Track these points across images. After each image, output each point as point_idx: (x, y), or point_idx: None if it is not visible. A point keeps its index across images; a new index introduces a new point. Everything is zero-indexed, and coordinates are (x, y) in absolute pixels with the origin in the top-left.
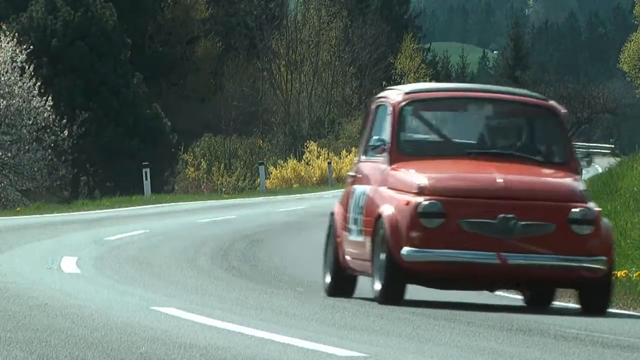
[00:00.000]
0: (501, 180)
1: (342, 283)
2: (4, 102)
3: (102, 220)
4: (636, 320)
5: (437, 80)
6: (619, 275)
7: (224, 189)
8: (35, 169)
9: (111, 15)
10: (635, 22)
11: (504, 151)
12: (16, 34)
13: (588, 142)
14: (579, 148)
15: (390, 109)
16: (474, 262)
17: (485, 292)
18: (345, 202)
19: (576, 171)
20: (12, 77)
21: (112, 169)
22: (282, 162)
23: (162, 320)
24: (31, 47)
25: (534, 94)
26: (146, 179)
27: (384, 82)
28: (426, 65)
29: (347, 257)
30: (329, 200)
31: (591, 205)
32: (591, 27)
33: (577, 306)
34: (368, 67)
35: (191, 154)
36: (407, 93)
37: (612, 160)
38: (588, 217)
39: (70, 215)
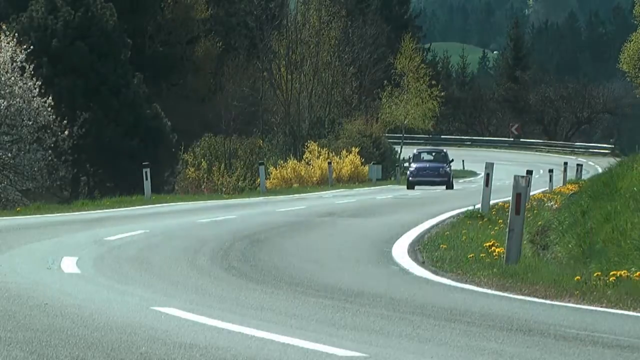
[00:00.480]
0: None
1: None
2: (4, 102)
3: (102, 220)
4: (636, 320)
5: (437, 80)
6: (619, 275)
7: (224, 189)
8: (36, 169)
9: (111, 15)
10: (635, 22)
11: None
12: (16, 34)
13: (588, 142)
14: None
15: None
16: None
17: (486, 293)
18: None
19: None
20: (13, 78)
21: (112, 169)
22: (282, 162)
23: (162, 320)
24: (31, 47)
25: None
26: (146, 179)
27: (384, 82)
28: (426, 65)
29: None
30: (329, 200)
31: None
32: (591, 27)
33: (577, 306)
34: (368, 67)
35: (191, 154)
36: None
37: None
38: None
39: (70, 215)
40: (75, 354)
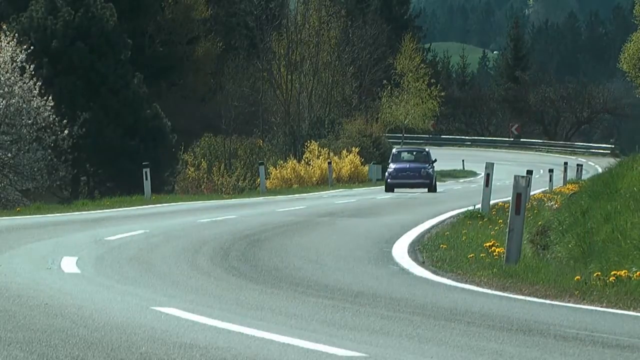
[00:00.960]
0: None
1: None
2: (4, 101)
3: (102, 220)
4: (636, 320)
5: (437, 80)
6: (619, 275)
7: (224, 189)
8: (35, 169)
9: (111, 15)
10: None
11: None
12: (16, 34)
13: (588, 142)
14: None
15: None
16: None
17: (486, 293)
18: None
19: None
20: (12, 77)
21: (112, 169)
22: (282, 162)
23: (162, 320)
24: (31, 47)
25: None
26: (146, 179)
27: (384, 81)
28: (426, 65)
29: None
30: (329, 200)
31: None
32: (591, 27)
33: (577, 306)
34: (368, 67)
35: (191, 154)
36: None
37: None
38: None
39: (70, 215)
40: (75, 354)
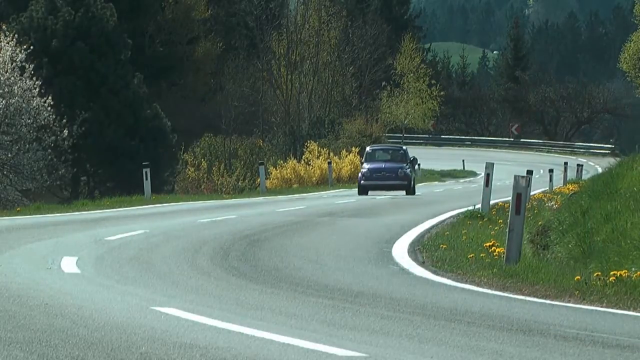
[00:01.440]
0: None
1: None
2: (4, 101)
3: (102, 220)
4: (636, 320)
5: (437, 80)
6: (619, 275)
7: (224, 189)
8: (35, 168)
9: (111, 15)
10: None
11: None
12: (16, 35)
13: (588, 142)
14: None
15: None
16: None
17: (486, 293)
18: None
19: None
20: (12, 77)
21: (112, 169)
22: (282, 162)
23: (162, 320)
24: (31, 47)
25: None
26: (146, 179)
27: (383, 83)
28: (426, 65)
29: None
30: (329, 200)
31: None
32: (591, 27)
33: (577, 306)
34: (368, 67)
35: (191, 154)
36: None
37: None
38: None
39: (70, 215)
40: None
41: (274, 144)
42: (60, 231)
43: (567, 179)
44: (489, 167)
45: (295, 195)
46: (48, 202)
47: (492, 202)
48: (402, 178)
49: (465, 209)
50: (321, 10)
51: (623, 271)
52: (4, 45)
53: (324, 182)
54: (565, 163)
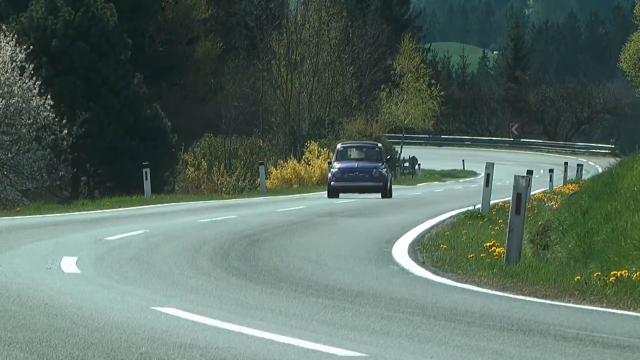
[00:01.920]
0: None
1: None
2: (4, 101)
3: (102, 220)
4: (636, 320)
5: (437, 80)
6: (619, 275)
7: (224, 189)
8: (35, 168)
9: (112, 15)
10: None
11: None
12: (16, 34)
13: (588, 142)
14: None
15: None
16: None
17: (486, 293)
18: None
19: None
20: (12, 77)
21: (112, 169)
22: (282, 162)
23: (162, 320)
24: (31, 47)
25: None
26: (146, 179)
27: (382, 85)
28: (425, 65)
29: None
30: (329, 200)
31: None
32: (591, 27)
33: (577, 306)
34: (368, 67)
35: (191, 154)
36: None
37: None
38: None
39: (70, 215)
40: (75, 354)
41: (274, 144)
42: (60, 231)
43: (567, 179)
44: (489, 167)
45: (295, 195)
46: (48, 202)
47: (492, 202)
48: (376, 179)
49: (465, 209)
50: (321, 10)
51: (623, 271)
52: (4, 45)
53: (324, 182)
54: (566, 163)
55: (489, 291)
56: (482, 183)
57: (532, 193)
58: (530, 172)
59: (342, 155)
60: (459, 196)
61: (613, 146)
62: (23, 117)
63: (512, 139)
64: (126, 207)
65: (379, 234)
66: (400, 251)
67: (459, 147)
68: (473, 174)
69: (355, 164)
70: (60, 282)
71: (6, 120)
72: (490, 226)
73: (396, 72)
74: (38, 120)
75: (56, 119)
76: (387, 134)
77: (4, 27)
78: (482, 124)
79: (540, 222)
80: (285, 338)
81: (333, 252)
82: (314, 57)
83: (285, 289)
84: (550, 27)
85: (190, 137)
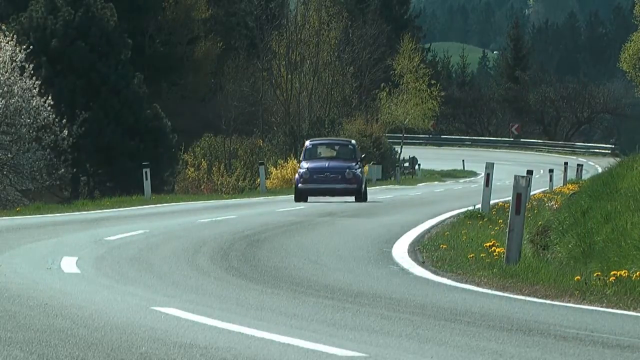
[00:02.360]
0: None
1: None
2: (3, 101)
3: (102, 220)
4: (636, 320)
5: (437, 80)
6: (619, 275)
7: (224, 189)
8: (35, 168)
9: (112, 15)
10: (635, 22)
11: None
12: (16, 34)
13: (588, 142)
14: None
15: None
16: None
17: (486, 293)
18: None
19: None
20: (12, 77)
21: (112, 169)
22: (282, 162)
23: (162, 320)
24: (31, 47)
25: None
26: (146, 179)
27: (382, 84)
28: (425, 66)
29: None
30: (328, 200)
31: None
32: (591, 27)
33: (577, 306)
34: (368, 67)
35: (191, 154)
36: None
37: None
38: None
39: (70, 215)
40: (75, 354)
41: (274, 144)
42: (60, 231)
43: (567, 179)
44: (489, 167)
45: None
46: (48, 202)
47: (492, 202)
48: (350, 181)
49: (465, 209)
50: (321, 10)
51: (623, 271)
52: (4, 45)
53: None
54: (565, 163)
55: (489, 291)
56: (482, 183)
57: (532, 193)
58: (530, 172)
59: (310, 154)
60: (459, 196)
61: (613, 146)
62: (23, 117)
63: (512, 139)
64: (126, 207)
65: (379, 234)
66: (400, 251)
67: (459, 147)
68: (473, 174)
69: (326, 164)
70: (60, 282)
71: (6, 120)
72: (490, 226)
73: (396, 72)
74: (38, 120)
75: (56, 119)
76: (387, 134)
77: (3, 27)
78: (482, 124)
79: (540, 222)
80: (285, 338)
81: (333, 252)
82: (314, 57)
83: (285, 289)
84: (550, 27)
85: (190, 137)
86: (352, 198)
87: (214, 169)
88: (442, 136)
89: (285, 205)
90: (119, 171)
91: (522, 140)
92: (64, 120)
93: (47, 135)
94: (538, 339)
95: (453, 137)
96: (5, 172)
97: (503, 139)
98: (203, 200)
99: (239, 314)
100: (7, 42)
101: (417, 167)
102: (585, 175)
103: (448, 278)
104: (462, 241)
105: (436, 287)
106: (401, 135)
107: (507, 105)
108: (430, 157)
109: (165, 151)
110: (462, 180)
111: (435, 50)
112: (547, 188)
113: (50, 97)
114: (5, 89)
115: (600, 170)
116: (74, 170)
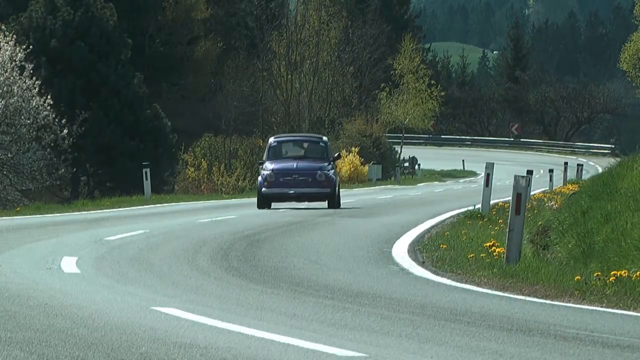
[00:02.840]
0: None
1: None
2: (3, 101)
3: (102, 220)
4: (636, 320)
5: (437, 81)
6: (619, 275)
7: (224, 189)
8: (35, 168)
9: (111, 15)
10: (635, 22)
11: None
12: (15, 34)
13: (588, 142)
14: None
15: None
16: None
17: (486, 293)
18: None
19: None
20: (12, 77)
21: (112, 169)
22: None
23: (162, 320)
24: (30, 47)
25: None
26: (146, 179)
27: (382, 84)
28: (425, 66)
29: None
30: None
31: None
32: (591, 27)
33: (577, 306)
34: (368, 67)
35: (191, 154)
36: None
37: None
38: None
39: (70, 215)
40: (75, 354)
41: None
42: (60, 231)
43: (567, 179)
44: (489, 167)
45: None
46: (48, 202)
47: (492, 202)
48: (322, 184)
49: (465, 209)
50: (321, 10)
51: (623, 271)
52: (4, 45)
53: None
54: (565, 163)
55: (489, 291)
56: (482, 183)
57: (532, 193)
58: (530, 172)
59: (275, 153)
60: (459, 196)
61: (613, 146)
62: (23, 117)
63: (512, 139)
64: (126, 207)
65: (379, 234)
66: (400, 251)
67: (459, 147)
68: (473, 174)
69: (294, 164)
70: (60, 282)
71: (6, 120)
72: (490, 226)
73: (396, 72)
74: (38, 120)
75: (56, 119)
76: (387, 134)
77: (3, 27)
78: (482, 124)
79: (540, 222)
80: (285, 338)
81: (333, 252)
82: (314, 57)
83: (285, 289)
84: (550, 27)
85: (190, 137)
86: (325, 204)
87: (214, 169)
88: (442, 136)
89: (285, 205)
90: (119, 171)
91: (522, 140)
92: (64, 120)
93: (47, 135)
94: (538, 339)
95: (453, 137)
96: (5, 172)
97: (503, 139)
98: (203, 200)
99: (239, 314)
100: (7, 42)
101: (417, 167)
102: (585, 175)
103: (448, 278)
104: (462, 241)
105: (436, 287)
106: (401, 135)
107: (507, 105)
108: (430, 157)
109: (165, 151)
110: (462, 180)
111: (435, 50)
112: (547, 188)
113: (49, 97)
114: (5, 88)
115: (600, 170)
116: (74, 170)
